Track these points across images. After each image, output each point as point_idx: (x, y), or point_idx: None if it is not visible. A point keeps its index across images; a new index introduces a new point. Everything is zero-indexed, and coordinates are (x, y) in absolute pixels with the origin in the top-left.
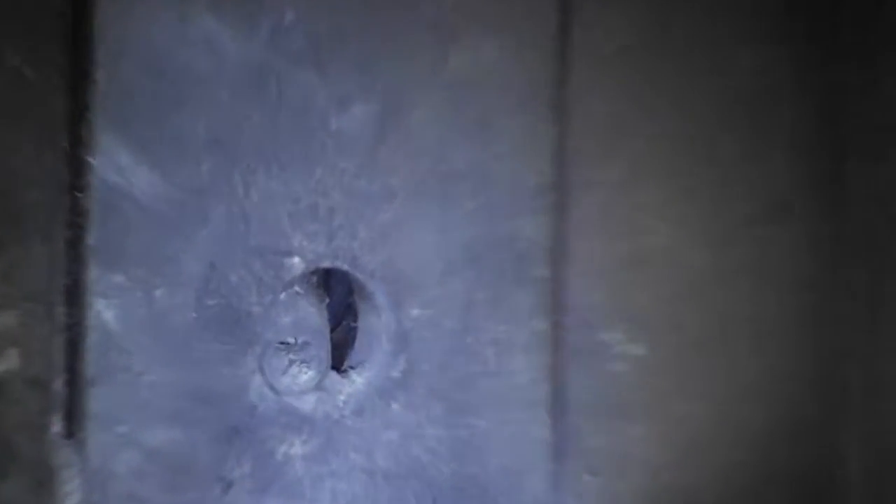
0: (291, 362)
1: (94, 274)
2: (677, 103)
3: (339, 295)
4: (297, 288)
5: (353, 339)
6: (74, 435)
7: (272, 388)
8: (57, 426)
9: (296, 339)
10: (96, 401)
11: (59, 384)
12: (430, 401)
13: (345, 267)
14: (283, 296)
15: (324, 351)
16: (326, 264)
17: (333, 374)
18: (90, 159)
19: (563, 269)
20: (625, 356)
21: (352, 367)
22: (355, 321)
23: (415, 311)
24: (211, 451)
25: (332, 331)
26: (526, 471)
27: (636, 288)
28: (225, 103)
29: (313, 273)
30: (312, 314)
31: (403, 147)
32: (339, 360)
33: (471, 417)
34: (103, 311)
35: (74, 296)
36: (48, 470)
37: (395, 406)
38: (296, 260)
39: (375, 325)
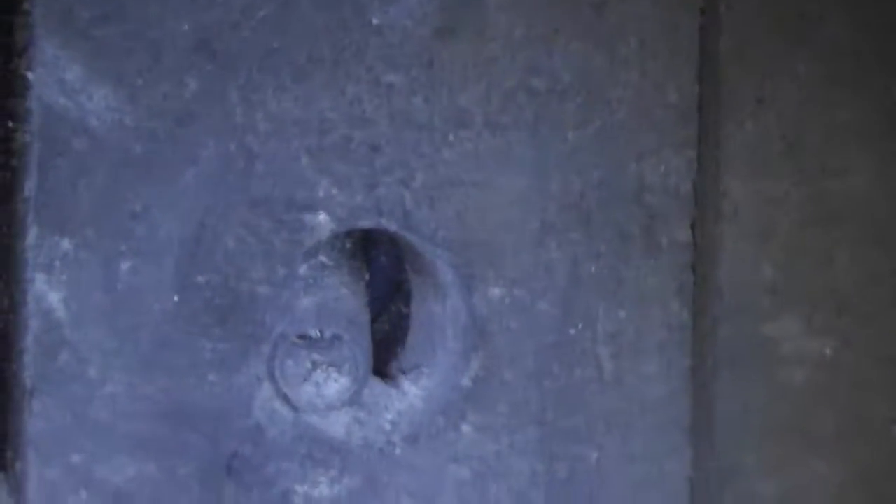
0: (315, 366)
1: (32, 238)
2: None
3: (384, 268)
4: (322, 258)
5: (406, 332)
6: (8, 467)
7: (287, 402)
8: None
9: (321, 332)
10: (38, 420)
11: None
12: (518, 422)
13: (393, 227)
14: (302, 269)
15: (362, 350)
16: (366, 223)
17: (376, 384)
18: (26, 73)
19: (713, 232)
20: (804, 358)
21: (403, 373)
22: (408, 307)
23: (495, 292)
24: (198, 493)
25: (374, 321)
26: None
27: (822, 257)
28: None
29: (347, 236)
30: (345, 296)
31: (478, 50)
32: (384, 364)
33: (577, 447)
34: (46, 293)
35: (5, 270)
36: None
37: (466, 429)
38: (321, 217)
39: (438, 312)
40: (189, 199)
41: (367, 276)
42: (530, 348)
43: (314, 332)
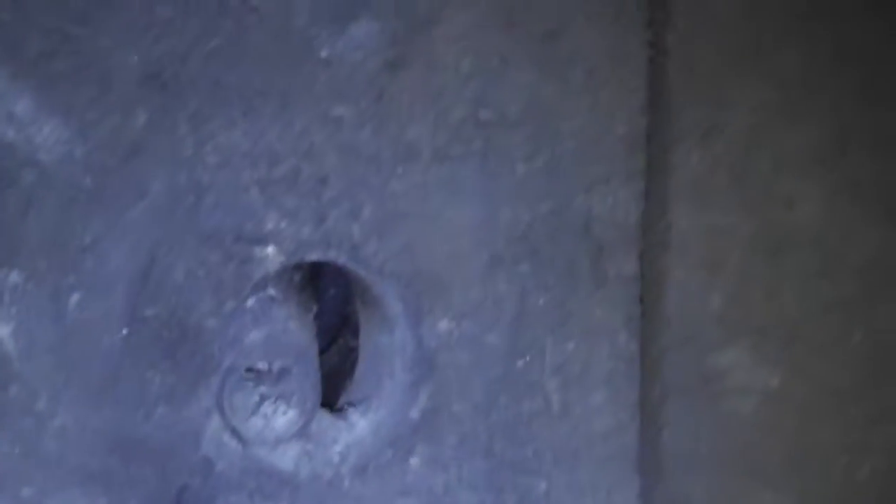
0: (263, 398)
1: None
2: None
3: (333, 301)
4: (271, 290)
5: (354, 364)
6: None
7: (235, 435)
8: None
9: (269, 364)
10: None
11: None
12: (466, 454)
13: (341, 260)
14: (251, 302)
15: (310, 382)
16: (314, 256)
17: (325, 416)
18: None
19: (661, 263)
20: (752, 389)
21: (352, 406)
22: (356, 339)
23: (443, 324)
24: None
25: (322, 353)
26: None
27: (771, 287)
28: (167, 20)
29: (295, 268)
30: (294, 329)
31: (427, 82)
32: (333, 396)
33: (526, 478)
34: None
35: None
36: None
37: (414, 462)
38: (269, 249)
39: (386, 344)
40: (138, 232)
41: (315, 309)
42: (479, 381)
43: (262, 365)
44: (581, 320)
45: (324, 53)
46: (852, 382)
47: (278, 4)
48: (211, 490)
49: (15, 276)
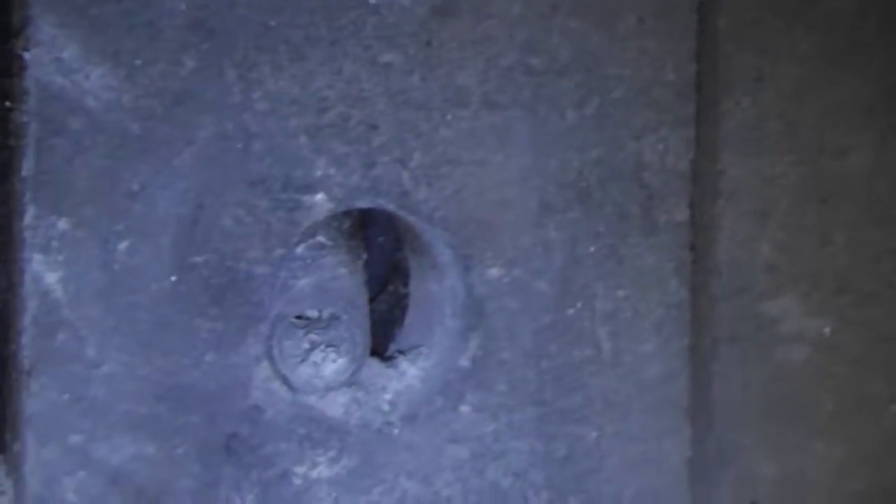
0: (313, 346)
1: (29, 219)
2: None
3: (382, 248)
4: (320, 238)
5: (404, 312)
6: (5, 448)
7: (285, 383)
8: None
9: (319, 312)
10: (36, 400)
11: None
12: (516, 402)
13: (391, 207)
14: (300, 249)
15: (360, 330)
16: (364, 203)
17: (374, 364)
18: (23, 53)
19: (711, 210)
20: (802, 337)
21: (402, 353)
22: (406, 286)
23: (493, 272)
24: (197, 473)
25: (372, 301)
26: None
27: (821, 236)
28: None
29: (344, 216)
30: (343, 276)
31: (476, 28)
32: (382, 343)
33: (575, 426)
34: (44, 273)
35: (2, 250)
36: None
37: (464, 410)
38: (318, 196)
39: (436, 291)
40: (186, 179)
41: (364, 256)
42: (528, 328)
43: (312, 312)
44: (631, 268)
45: None
46: None
47: None
48: (260, 437)
49: (63, 224)
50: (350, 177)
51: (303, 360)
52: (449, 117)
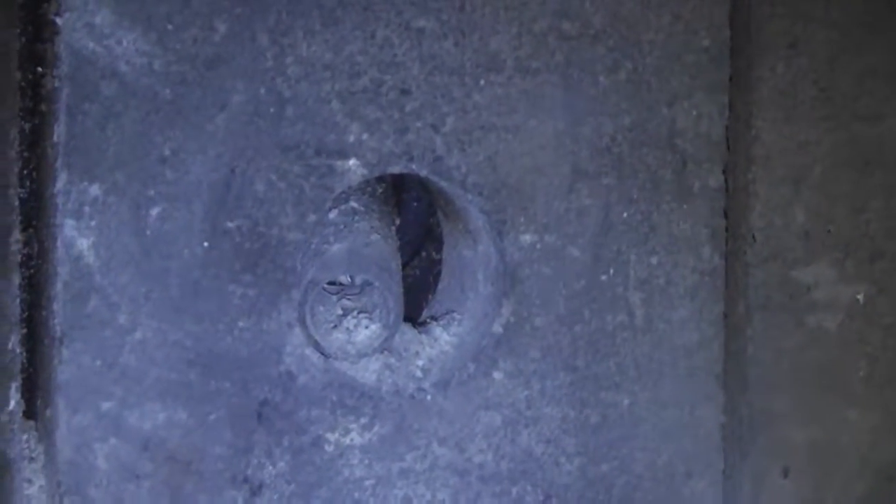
0: (345, 312)
1: (61, 184)
2: None
3: (415, 214)
4: (353, 203)
5: (437, 278)
6: (38, 415)
7: (317, 349)
8: (13, 402)
9: (352, 278)
10: (68, 367)
11: (14, 343)
12: (549, 368)
13: (424, 172)
14: (332, 214)
15: (392, 296)
16: (397, 169)
17: (407, 330)
18: (55, 18)
19: (745, 177)
20: (836, 304)
21: (434, 319)
22: (439, 252)
23: (526, 238)
24: (229, 439)
25: (405, 266)
26: (690, 471)
27: (855, 203)
28: None
29: (378, 181)
30: (376, 242)
31: None
32: (415, 310)
33: (608, 393)
34: (76, 239)
35: (34, 216)
36: (2, 463)
37: (497, 376)
38: (351, 162)
39: (469, 257)
40: (219, 144)
41: (397, 222)
42: (561, 294)
43: (345, 278)
44: (665, 234)
45: None
46: None
47: None
48: (292, 404)
49: (95, 189)
50: (383, 142)
51: (335, 327)
52: (482, 82)
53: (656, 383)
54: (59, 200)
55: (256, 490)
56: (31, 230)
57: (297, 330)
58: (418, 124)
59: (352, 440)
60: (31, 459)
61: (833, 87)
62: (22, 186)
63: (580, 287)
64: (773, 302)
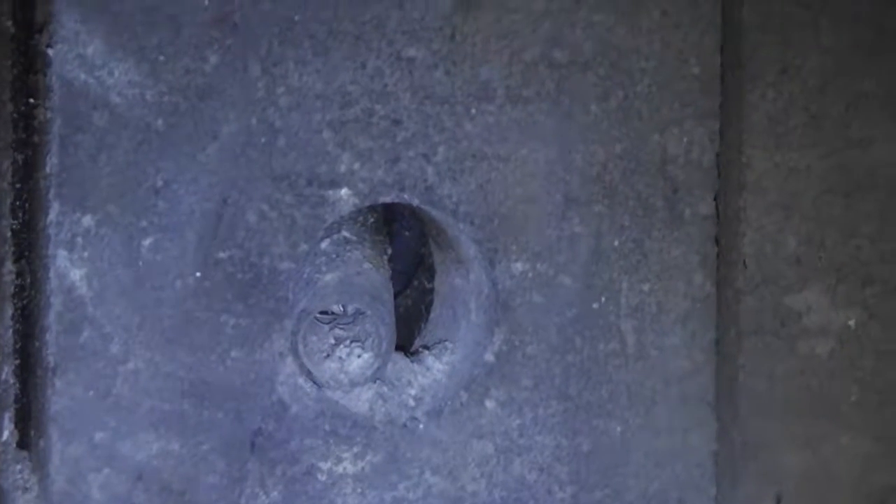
0: (338, 342)
1: (53, 215)
2: None
3: (407, 243)
4: (345, 233)
5: (429, 306)
6: (31, 445)
7: (310, 378)
8: (6, 432)
9: (344, 307)
10: (61, 397)
11: (6, 374)
12: (541, 397)
13: (415, 202)
14: (324, 244)
15: (385, 325)
16: (388, 198)
17: (400, 359)
18: (46, 49)
19: (736, 203)
20: (828, 330)
21: (427, 348)
22: (431, 281)
23: (518, 266)
24: (222, 469)
25: (397, 295)
26: (682, 498)
27: (846, 228)
28: None
29: (369, 211)
30: (368, 271)
31: (500, 22)
32: (408, 339)
33: (600, 420)
34: (68, 270)
35: (27, 247)
36: None
37: (489, 404)
38: (343, 192)
39: (461, 286)
40: (211, 174)
41: (389, 251)
42: (553, 322)
43: (337, 308)
44: (657, 261)
45: None
46: None
47: None
48: (285, 433)
49: (87, 220)
50: (374, 172)
51: (328, 356)
52: (473, 112)
53: (648, 410)
54: (52, 231)
55: None
56: (23, 261)
57: (290, 359)
58: (410, 154)
59: (344, 469)
60: (25, 490)
61: (824, 114)
62: (14, 217)
63: (572, 315)
64: (765, 328)
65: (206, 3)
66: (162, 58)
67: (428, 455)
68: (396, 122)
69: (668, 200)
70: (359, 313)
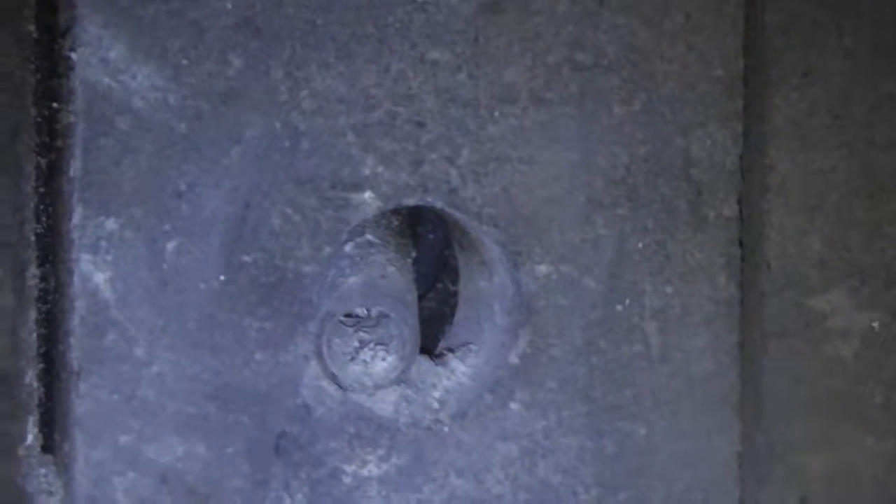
0: (362, 344)
1: (77, 219)
2: None
3: (431, 245)
4: (369, 236)
5: (453, 309)
6: (55, 449)
7: (334, 381)
8: (31, 436)
9: (368, 310)
10: (85, 401)
11: (31, 377)
12: (566, 399)
13: (439, 204)
14: (348, 247)
15: (409, 327)
16: (412, 201)
17: (424, 362)
18: (70, 53)
19: (760, 205)
20: (852, 332)
21: (451, 351)
22: (455, 284)
23: (542, 269)
24: (247, 472)
25: (421, 298)
26: (707, 500)
27: (870, 230)
28: None
29: (393, 214)
30: (392, 274)
31: (523, 25)
32: (432, 341)
33: (625, 423)
34: (92, 273)
35: (51, 251)
36: (18, 498)
37: (514, 406)
38: (367, 195)
39: (485, 288)
40: (234, 178)
41: (413, 254)
42: (577, 324)
43: (361, 311)
44: (680, 263)
45: None
46: None
47: None
48: (309, 436)
49: (111, 223)
50: (398, 174)
51: (352, 359)
52: (497, 114)
53: (673, 413)
54: (76, 235)
55: None
56: (47, 265)
57: (314, 362)
58: (433, 156)
59: (369, 472)
60: (50, 493)
61: (847, 115)
62: (38, 222)
63: (596, 317)
64: (789, 330)
65: (230, 6)
66: (185, 61)
67: (452, 457)
68: (420, 125)
69: (692, 203)
70: (383, 316)
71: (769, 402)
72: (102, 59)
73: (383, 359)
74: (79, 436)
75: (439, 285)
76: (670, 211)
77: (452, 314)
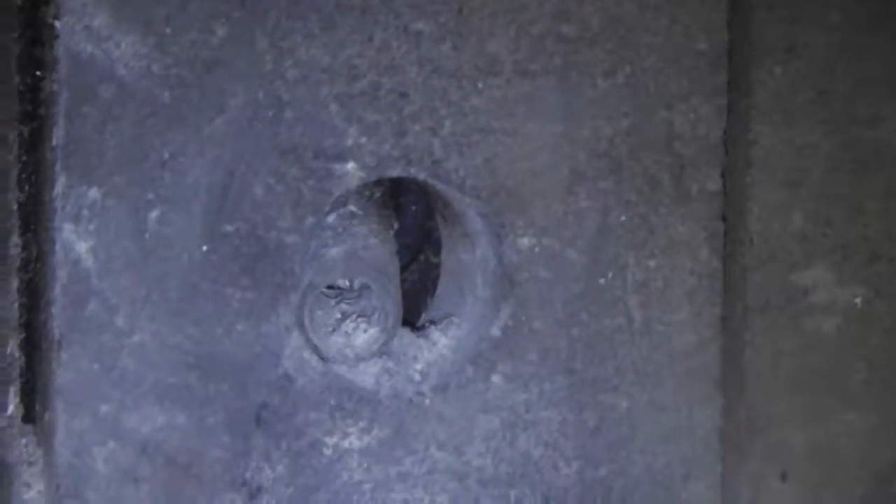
0: (344, 316)
1: (60, 188)
2: None
3: (413, 217)
4: (351, 207)
5: (435, 281)
6: (36, 419)
7: (315, 353)
8: (11, 406)
9: (350, 281)
10: (66, 370)
11: (12, 347)
12: (547, 371)
13: (422, 176)
14: (331, 218)
15: (391, 299)
16: (395, 172)
17: (406, 334)
18: (53, 22)
19: (743, 180)
20: (834, 307)
21: (433, 323)
22: (438, 256)
23: (524, 241)
24: (227, 442)
25: (403, 270)
26: (688, 474)
27: (853, 205)
28: None
29: (376, 185)
30: (374, 245)
31: None
32: (414, 313)
33: (606, 396)
34: (74, 242)
35: (33, 220)
36: (0, 467)
37: (495, 379)
38: (349, 166)
39: (467, 260)
40: (217, 147)
41: (396, 226)
42: (560, 297)
43: (343, 282)
44: (663, 237)
45: None
46: None
47: None
48: (291, 407)
49: (93, 192)
50: (381, 145)
51: (334, 330)
52: (480, 86)
53: (654, 386)
54: (58, 204)
55: (255, 493)
56: (29, 234)
57: (296, 333)
58: (416, 127)
59: (350, 444)
60: (30, 464)
61: (831, 91)
62: (20, 190)
63: (578, 290)
64: (771, 305)
65: None
66: (169, 30)
67: (434, 430)
68: (403, 96)
69: (675, 176)
70: (365, 288)
71: (751, 376)
72: (86, 28)
73: (365, 330)
74: (59, 405)
75: (421, 257)
76: (653, 184)
77: (434, 286)
